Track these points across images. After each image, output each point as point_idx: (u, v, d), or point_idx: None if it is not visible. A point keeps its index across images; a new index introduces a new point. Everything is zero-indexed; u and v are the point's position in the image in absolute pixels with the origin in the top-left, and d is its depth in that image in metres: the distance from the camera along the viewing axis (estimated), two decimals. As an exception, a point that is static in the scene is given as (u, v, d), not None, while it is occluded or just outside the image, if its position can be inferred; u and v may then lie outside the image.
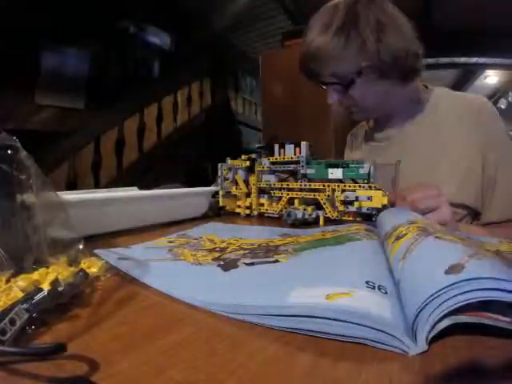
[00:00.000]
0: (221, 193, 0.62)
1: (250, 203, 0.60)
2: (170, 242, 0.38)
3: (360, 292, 0.18)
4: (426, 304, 0.15)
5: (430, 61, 3.61)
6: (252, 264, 0.27)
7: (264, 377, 0.13)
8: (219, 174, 0.62)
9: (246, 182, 0.61)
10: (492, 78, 4.36)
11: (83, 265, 0.24)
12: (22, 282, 0.19)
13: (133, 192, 0.57)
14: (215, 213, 0.62)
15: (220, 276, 0.25)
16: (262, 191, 0.60)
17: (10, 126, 2.46)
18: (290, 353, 0.15)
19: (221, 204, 0.62)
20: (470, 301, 0.15)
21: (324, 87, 0.62)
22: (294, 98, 1.82)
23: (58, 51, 2.87)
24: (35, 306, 0.17)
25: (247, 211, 0.60)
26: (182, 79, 3.24)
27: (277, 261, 0.28)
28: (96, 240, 0.38)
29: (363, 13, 0.56)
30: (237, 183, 0.62)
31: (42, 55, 2.78)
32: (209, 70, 3.53)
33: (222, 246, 0.35)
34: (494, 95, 4.82)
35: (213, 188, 0.62)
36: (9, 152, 0.24)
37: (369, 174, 0.48)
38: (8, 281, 0.20)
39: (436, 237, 0.22)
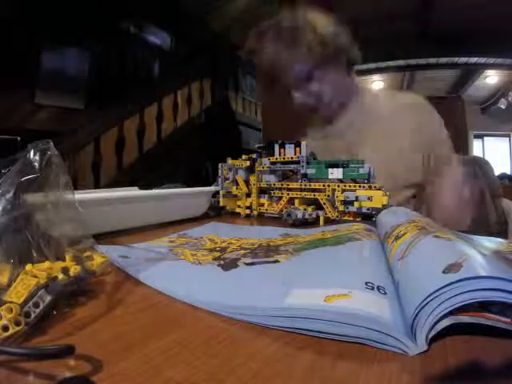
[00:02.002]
0: (221, 193, 0.62)
1: (251, 203, 0.60)
2: (171, 241, 0.38)
3: (359, 293, 0.18)
4: (425, 304, 0.15)
5: (431, 61, 3.60)
6: (252, 264, 0.27)
7: (264, 377, 0.13)
8: (219, 173, 0.62)
9: (247, 182, 0.61)
10: (492, 77, 4.36)
11: (87, 262, 0.24)
12: (27, 277, 0.20)
13: (134, 192, 0.57)
14: (216, 212, 0.62)
15: (220, 276, 0.25)
16: (262, 191, 0.60)
17: (9, 126, 2.46)
18: (289, 353, 0.15)
19: (221, 204, 0.62)
20: (470, 301, 0.15)
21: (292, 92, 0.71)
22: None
23: (58, 51, 2.87)
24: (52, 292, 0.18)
25: (247, 211, 0.60)
26: (181, 79, 3.24)
27: (277, 261, 0.28)
28: (97, 239, 0.38)
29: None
30: (237, 183, 0.62)
31: (42, 55, 2.78)
32: (209, 69, 3.52)
33: (222, 246, 0.35)
34: (494, 95, 4.82)
35: (213, 188, 0.62)
36: (31, 155, 0.25)
37: (369, 173, 0.48)
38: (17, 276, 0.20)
39: (435, 236, 0.22)
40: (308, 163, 0.53)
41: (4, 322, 0.15)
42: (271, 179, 0.59)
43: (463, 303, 0.15)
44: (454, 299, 0.15)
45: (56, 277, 0.20)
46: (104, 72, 3.19)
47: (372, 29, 2.72)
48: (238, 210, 0.61)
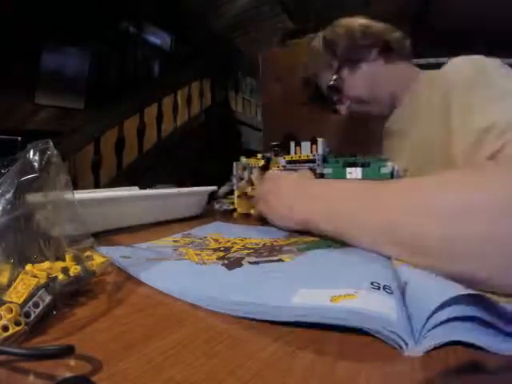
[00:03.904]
0: (236, 194, 0.57)
1: None
2: (175, 241, 0.38)
3: (365, 293, 0.18)
4: (436, 311, 0.15)
5: (431, 61, 3.61)
6: (256, 263, 0.27)
7: (264, 377, 0.13)
8: (234, 172, 0.58)
9: None
10: (492, 77, 4.36)
11: (87, 262, 0.24)
12: (27, 277, 0.20)
13: (135, 191, 0.58)
14: (226, 214, 0.59)
15: (224, 275, 0.25)
16: None
17: (9, 126, 2.46)
18: (289, 353, 0.15)
19: (236, 206, 0.58)
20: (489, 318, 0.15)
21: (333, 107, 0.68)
22: (294, 98, 1.82)
23: (58, 51, 2.87)
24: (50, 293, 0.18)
25: None
26: (182, 79, 3.24)
27: (281, 260, 0.28)
28: (98, 238, 0.38)
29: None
30: (252, 183, 0.58)
31: (42, 55, 2.78)
32: (209, 69, 3.53)
33: (226, 246, 0.35)
34: (494, 95, 4.81)
35: (209, 188, 0.60)
36: (30, 154, 0.25)
37: (392, 173, 0.43)
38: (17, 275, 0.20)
39: None
40: (325, 162, 0.50)
41: (4, 321, 0.15)
42: None
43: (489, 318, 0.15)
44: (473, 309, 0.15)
45: (56, 277, 0.20)
46: (104, 72, 3.19)
47: (372, 29, 2.72)
48: (254, 211, 0.56)
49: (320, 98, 0.69)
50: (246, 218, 0.57)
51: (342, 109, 0.66)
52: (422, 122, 0.59)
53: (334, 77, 0.63)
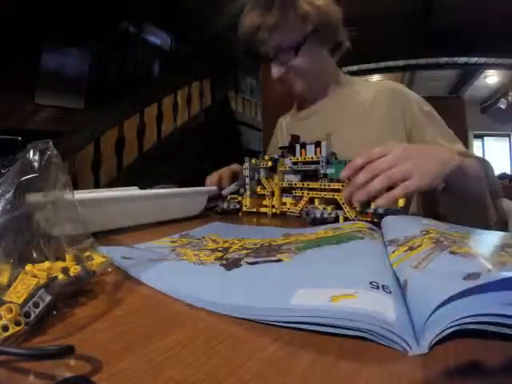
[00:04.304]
0: (248, 193, 0.62)
1: (273, 202, 0.61)
2: (173, 241, 0.38)
3: (364, 293, 0.18)
4: (440, 306, 0.15)
5: (430, 61, 3.60)
6: (255, 263, 0.27)
7: (264, 377, 0.13)
8: (246, 173, 0.62)
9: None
10: (492, 77, 4.36)
11: (87, 262, 0.24)
12: (27, 277, 0.20)
13: (135, 191, 0.58)
14: (228, 212, 0.62)
15: (223, 275, 0.25)
16: (283, 190, 0.61)
17: (9, 126, 2.46)
18: (290, 353, 0.15)
19: (248, 205, 0.62)
20: (488, 318, 0.15)
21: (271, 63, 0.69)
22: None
23: (58, 51, 2.88)
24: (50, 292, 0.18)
25: (274, 210, 0.60)
26: (181, 79, 3.23)
27: (279, 260, 0.28)
28: (98, 238, 0.38)
29: None
30: (259, 183, 0.62)
31: (42, 55, 2.78)
32: (209, 69, 3.52)
33: (224, 246, 0.35)
34: (494, 95, 4.82)
35: (211, 188, 0.62)
36: (30, 154, 0.25)
37: None
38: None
39: (451, 252, 0.22)
40: (328, 163, 0.53)
41: (4, 321, 0.15)
42: (292, 179, 0.59)
43: (485, 319, 0.15)
44: (477, 305, 0.15)
45: (56, 277, 0.20)
46: (104, 72, 3.19)
47: (372, 29, 2.72)
48: (264, 209, 0.62)
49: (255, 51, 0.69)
50: (253, 216, 0.60)
51: (277, 72, 0.68)
52: (361, 121, 0.69)
53: (296, 43, 0.65)
